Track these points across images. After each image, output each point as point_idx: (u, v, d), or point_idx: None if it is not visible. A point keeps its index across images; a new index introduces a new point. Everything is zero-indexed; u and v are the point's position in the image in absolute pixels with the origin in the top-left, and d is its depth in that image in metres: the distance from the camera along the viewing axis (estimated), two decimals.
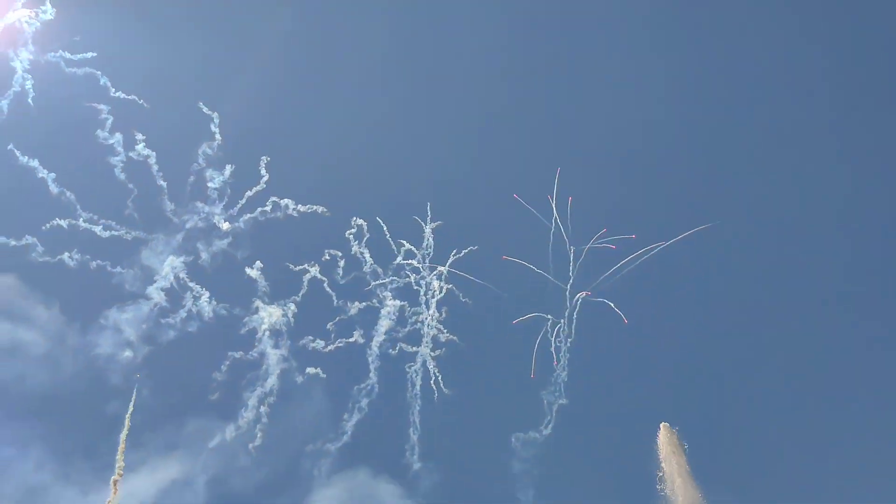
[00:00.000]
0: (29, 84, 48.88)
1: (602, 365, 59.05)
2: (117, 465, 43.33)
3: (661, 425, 48.57)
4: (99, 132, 50.82)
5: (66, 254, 50.05)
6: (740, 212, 62.85)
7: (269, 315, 50.90)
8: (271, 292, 52.49)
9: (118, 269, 50.94)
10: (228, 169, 53.26)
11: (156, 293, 51.14)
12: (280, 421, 51.18)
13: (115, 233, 51.16)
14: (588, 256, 57.38)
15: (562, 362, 55.94)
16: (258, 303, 51.55)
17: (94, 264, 50.60)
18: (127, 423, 44.23)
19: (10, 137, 49.21)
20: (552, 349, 55.90)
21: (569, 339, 56.23)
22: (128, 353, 50.06)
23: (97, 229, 50.73)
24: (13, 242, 49.18)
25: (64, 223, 50.20)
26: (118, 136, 51.01)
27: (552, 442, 54.74)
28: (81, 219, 50.53)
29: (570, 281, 56.99)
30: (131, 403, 46.31)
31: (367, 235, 55.04)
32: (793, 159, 62.43)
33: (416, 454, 53.13)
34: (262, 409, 50.32)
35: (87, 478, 45.90)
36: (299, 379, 51.88)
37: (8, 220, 49.78)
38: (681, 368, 59.15)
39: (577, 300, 56.69)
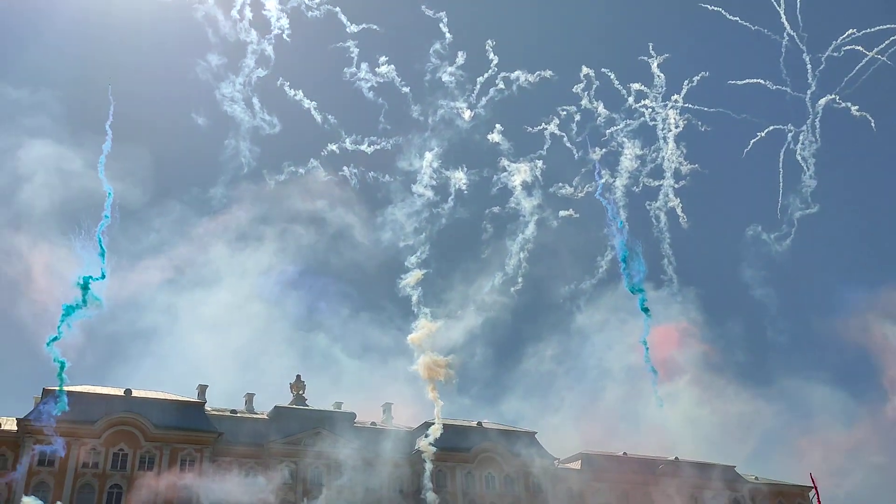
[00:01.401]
0: (285, 22, 56.21)
1: (852, 169, 56.45)
2: (419, 314, 51.05)
3: None
4: (346, 69, 57.52)
5: (346, 169, 58.12)
6: None
7: (518, 171, 55.18)
8: (515, 152, 56.70)
9: (387, 177, 57.99)
10: (461, 58, 57.61)
11: (422, 189, 57.27)
12: (539, 264, 55.69)
13: (378, 147, 57.86)
14: (827, 62, 55.15)
15: (809, 171, 54.68)
16: (504, 161, 55.92)
17: (369, 175, 58.41)
18: (417, 275, 51.40)
19: (279, 74, 57.38)
20: (798, 158, 54.85)
21: (814, 146, 54.69)
22: (406, 242, 57.07)
23: (363, 147, 57.82)
24: (301, 170, 57.91)
25: (335, 147, 57.68)
26: (364, 65, 57.22)
27: (796, 247, 54.32)
28: (348, 141, 57.68)
29: (811, 89, 55.20)
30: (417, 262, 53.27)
31: (596, 84, 57.30)
32: None
33: (674, 283, 55.56)
34: (522, 254, 55.08)
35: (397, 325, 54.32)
36: (554, 223, 56.08)
37: (297, 150, 58.66)
38: None
39: (819, 107, 54.79)
